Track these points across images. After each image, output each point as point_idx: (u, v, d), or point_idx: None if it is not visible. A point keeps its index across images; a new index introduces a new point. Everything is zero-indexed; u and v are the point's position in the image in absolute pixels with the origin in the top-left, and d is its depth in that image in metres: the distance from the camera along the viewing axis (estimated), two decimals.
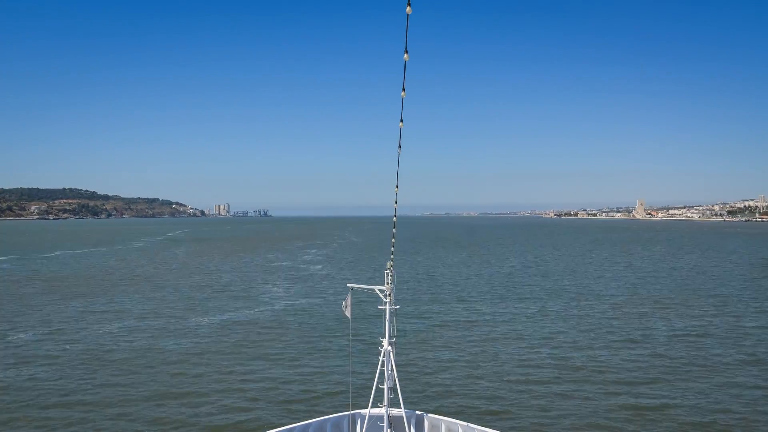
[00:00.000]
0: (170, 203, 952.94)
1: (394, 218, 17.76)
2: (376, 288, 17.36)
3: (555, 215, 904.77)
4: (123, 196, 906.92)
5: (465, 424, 17.43)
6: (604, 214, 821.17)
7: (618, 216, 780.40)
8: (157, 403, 28.09)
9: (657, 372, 32.83)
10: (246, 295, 63.48)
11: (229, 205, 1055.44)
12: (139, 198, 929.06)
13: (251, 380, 31.66)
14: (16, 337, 41.67)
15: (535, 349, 38.18)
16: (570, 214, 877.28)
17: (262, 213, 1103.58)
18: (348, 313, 18.25)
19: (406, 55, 9.19)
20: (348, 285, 18.41)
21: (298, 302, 58.42)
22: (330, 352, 37.78)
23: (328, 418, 18.04)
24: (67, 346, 39.12)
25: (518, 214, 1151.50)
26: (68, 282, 75.44)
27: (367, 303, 47.79)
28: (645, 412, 26.69)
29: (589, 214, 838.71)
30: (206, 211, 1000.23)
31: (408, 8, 8.32)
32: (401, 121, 11.63)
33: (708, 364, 34.59)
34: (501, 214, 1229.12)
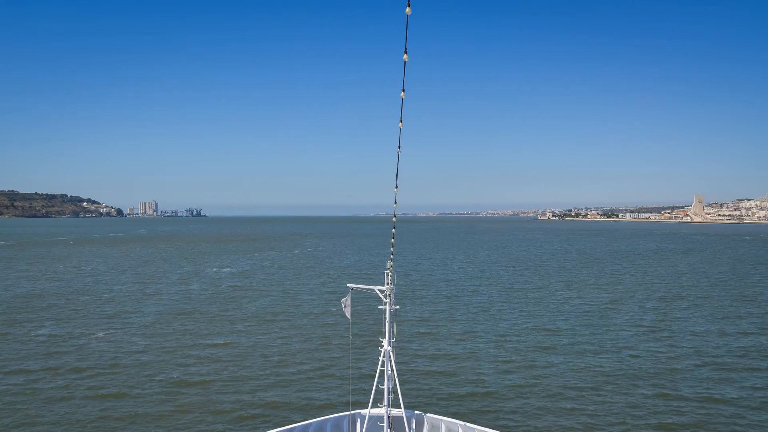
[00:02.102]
0: (80, 200, 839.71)
1: (394, 218, 17.84)
2: (376, 288, 17.37)
3: (555, 216, 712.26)
4: (21, 191, 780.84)
5: (465, 424, 17.44)
6: (629, 215, 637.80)
7: (653, 218, 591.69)
8: (154, 402, 28.13)
9: (656, 374, 32.86)
10: (245, 296, 63.47)
11: (156, 204, 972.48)
12: (35, 194, 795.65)
13: (251, 380, 31.69)
14: None
15: (536, 350, 38.20)
16: (571, 215, 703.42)
17: (194, 213, 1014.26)
18: (348, 313, 18.27)
19: (405, 56, 9.19)
20: (348, 285, 18.40)
21: (297, 302, 58.41)
22: (330, 352, 37.78)
23: (328, 418, 18.06)
24: None
25: (480, 215, 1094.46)
26: None
27: (367, 303, 47.89)
28: (645, 414, 26.72)
29: (604, 216, 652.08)
30: (129, 210, 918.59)
31: (408, 9, 8.33)
32: (401, 121, 11.64)
33: None
34: (461, 214, 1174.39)
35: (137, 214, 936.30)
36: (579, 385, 30.51)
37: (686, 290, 67.08)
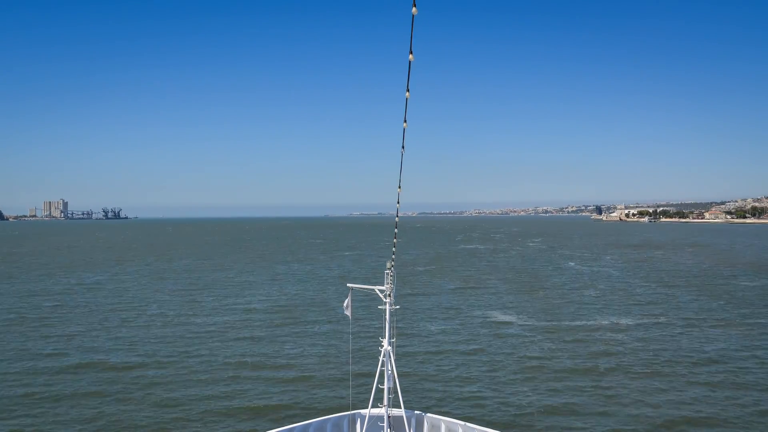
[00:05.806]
0: None
1: (396, 219, 17.89)
2: (376, 288, 17.39)
3: (638, 215, 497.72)
4: None
5: (465, 423, 17.45)
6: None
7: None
8: (153, 402, 28.11)
9: (659, 377, 32.81)
10: (244, 295, 63.46)
11: (65, 203, 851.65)
12: None
13: (251, 380, 31.70)
14: None
15: (537, 350, 38.15)
16: (667, 214, 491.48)
17: (111, 213, 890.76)
18: (348, 313, 18.28)
19: (411, 56, 9.20)
20: (348, 285, 18.42)
21: (297, 302, 58.38)
22: (330, 352, 37.78)
23: (328, 418, 18.07)
24: None
25: (464, 214, 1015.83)
26: None
27: (367, 303, 47.78)
28: (645, 415, 26.70)
29: (731, 215, 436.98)
30: (31, 211, 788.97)
31: (414, 9, 8.33)
32: (405, 121, 11.63)
33: None
34: (443, 213, 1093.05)
35: (36, 216, 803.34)
36: (582, 385, 30.49)
37: None
